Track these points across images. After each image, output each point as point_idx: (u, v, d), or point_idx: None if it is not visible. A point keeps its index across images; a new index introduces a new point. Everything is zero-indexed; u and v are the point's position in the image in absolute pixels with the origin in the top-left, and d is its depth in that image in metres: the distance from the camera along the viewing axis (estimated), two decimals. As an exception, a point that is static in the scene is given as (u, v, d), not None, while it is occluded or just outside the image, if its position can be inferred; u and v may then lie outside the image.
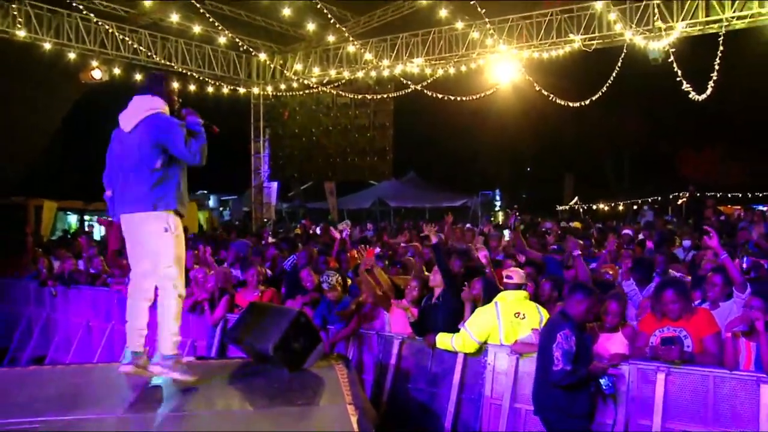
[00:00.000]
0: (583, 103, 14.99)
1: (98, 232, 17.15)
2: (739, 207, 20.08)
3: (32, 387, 4.28)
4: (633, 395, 4.79)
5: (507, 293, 5.37)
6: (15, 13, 13.53)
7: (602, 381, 4.56)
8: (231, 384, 4.48)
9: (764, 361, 4.37)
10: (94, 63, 15.05)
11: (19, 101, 16.97)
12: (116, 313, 8.58)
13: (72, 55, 14.88)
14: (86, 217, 24.85)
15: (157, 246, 4.11)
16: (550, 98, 15.02)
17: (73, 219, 23.82)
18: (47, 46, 14.32)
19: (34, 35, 14.13)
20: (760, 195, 24.87)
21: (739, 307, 5.07)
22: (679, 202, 23.93)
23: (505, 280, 5.51)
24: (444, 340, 5.52)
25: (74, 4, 13.67)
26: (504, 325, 5.28)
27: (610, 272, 6.87)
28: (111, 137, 4.31)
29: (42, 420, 3.57)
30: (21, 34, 13.80)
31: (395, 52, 16.43)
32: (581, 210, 28.19)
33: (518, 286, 5.42)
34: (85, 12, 14.05)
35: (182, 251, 4.25)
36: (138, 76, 16.83)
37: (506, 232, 11.02)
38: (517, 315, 5.27)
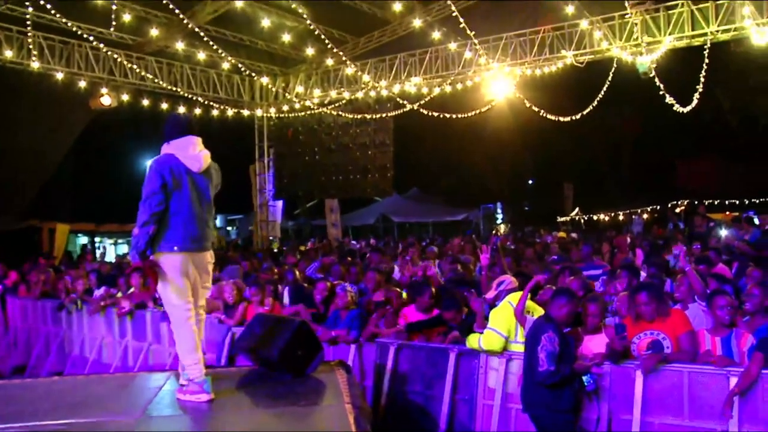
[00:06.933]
0: (573, 118, 15.32)
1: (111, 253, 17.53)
2: (736, 213, 20.33)
3: (55, 395, 4.62)
4: (614, 392, 5.03)
5: (515, 294, 5.61)
6: (30, 45, 13.95)
7: (585, 378, 4.88)
8: (239, 388, 4.74)
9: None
10: (104, 90, 15.51)
11: (33, 127, 17.40)
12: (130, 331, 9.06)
13: (82, 83, 15.28)
14: (96, 239, 25.37)
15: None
16: (541, 113, 15.35)
17: (83, 240, 24.32)
18: (59, 75, 14.73)
19: (47, 65, 14.52)
20: (757, 202, 25.11)
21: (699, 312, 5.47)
22: (678, 210, 24.22)
23: (501, 288, 5.87)
24: (472, 342, 5.69)
25: (84, 35, 14.14)
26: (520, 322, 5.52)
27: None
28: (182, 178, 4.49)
29: (67, 422, 3.96)
30: (35, 65, 14.16)
31: (393, 72, 16.73)
32: (582, 220, 28.50)
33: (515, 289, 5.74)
34: (94, 42, 14.47)
35: None
36: (145, 102, 17.37)
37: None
38: (528, 313, 5.49)
